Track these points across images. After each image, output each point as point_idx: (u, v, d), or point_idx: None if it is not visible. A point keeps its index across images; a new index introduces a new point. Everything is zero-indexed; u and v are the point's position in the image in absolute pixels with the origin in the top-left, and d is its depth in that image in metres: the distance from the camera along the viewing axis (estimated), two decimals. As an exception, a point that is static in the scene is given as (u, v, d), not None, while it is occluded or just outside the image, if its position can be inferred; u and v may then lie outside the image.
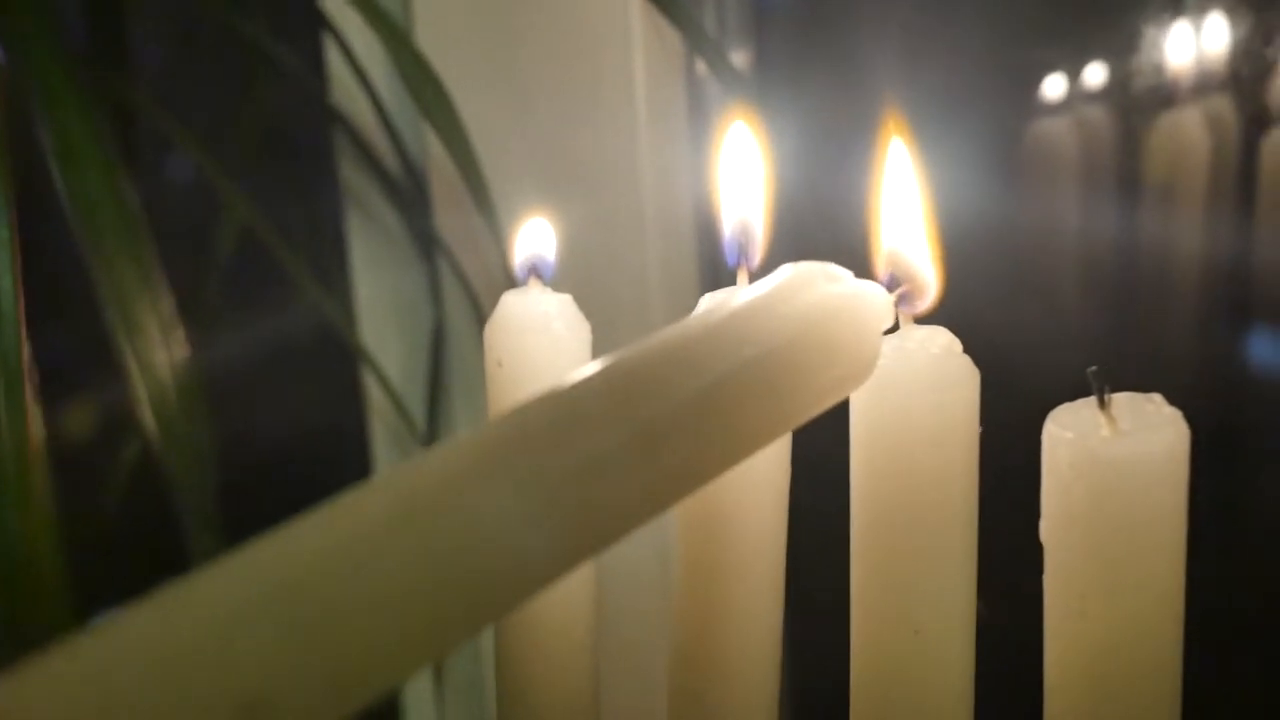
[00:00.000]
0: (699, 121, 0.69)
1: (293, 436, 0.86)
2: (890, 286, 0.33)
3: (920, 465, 0.33)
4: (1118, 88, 0.73)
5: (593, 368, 0.28)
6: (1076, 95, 0.74)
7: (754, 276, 0.38)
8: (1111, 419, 0.31)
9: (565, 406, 0.27)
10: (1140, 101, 0.73)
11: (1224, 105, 0.73)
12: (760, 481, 0.38)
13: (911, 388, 0.33)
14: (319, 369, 0.85)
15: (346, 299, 0.80)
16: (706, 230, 0.68)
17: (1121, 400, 0.31)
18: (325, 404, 0.87)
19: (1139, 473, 0.30)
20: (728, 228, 0.37)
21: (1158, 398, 0.31)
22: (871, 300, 0.32)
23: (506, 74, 0.68)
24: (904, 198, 0.34)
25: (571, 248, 0.66)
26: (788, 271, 0.32)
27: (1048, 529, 0.32)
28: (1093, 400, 0.31)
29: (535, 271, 0.41)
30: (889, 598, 0.35)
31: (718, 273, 0.68)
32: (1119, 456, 0.30)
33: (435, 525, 0.24)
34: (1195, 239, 0.73)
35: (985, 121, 0.74)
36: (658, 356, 0.29)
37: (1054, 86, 0.74)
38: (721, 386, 0.29)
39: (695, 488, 0.29)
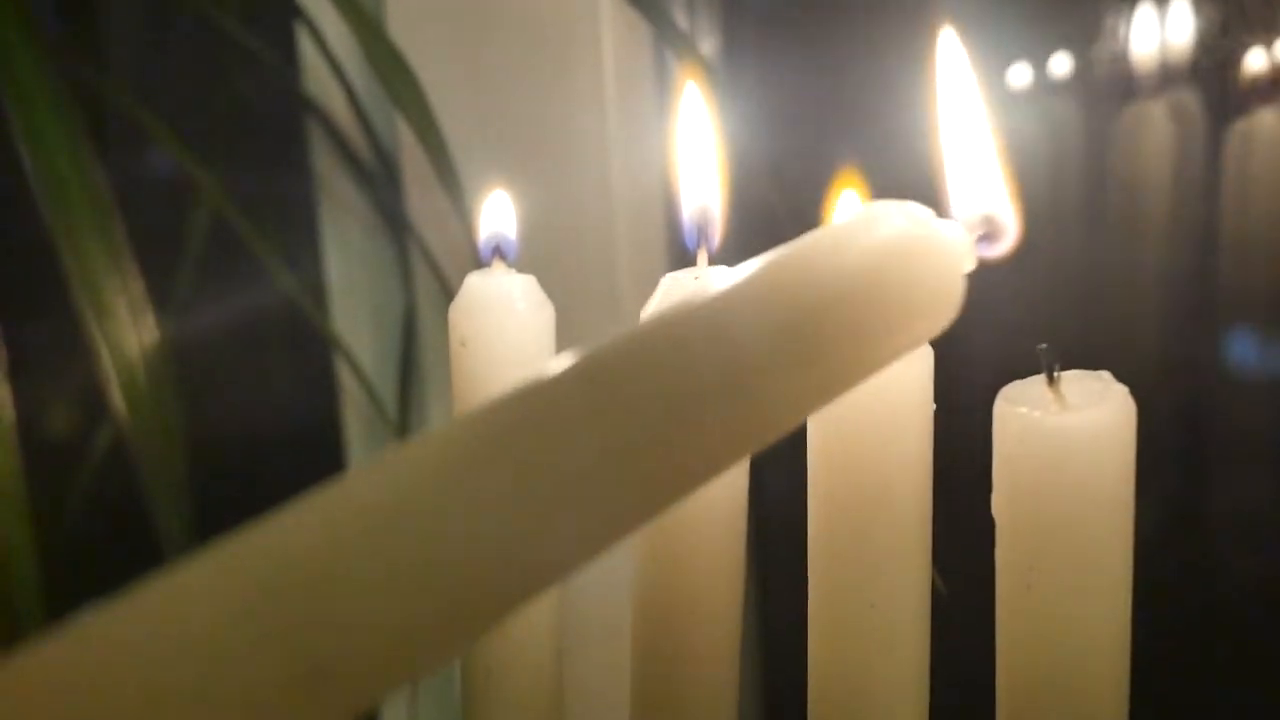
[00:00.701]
0: (667, 109, 0.70)
1: (265, 421, 0.86)
2: (970, 227, 0.31)
3: (875, 441, 0.34)
4: (1081, 78, 0.74)
5: (651, 319, 0.27)
6: (1041, 85, 0.75)
7: (714, 259, 0.38)
8: (1059, 395, 0.31)
9: (628, 354, 0.26)
10: (1104, 92, 0.74)
11: (1187, 96, 0.73)
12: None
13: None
14: (291, 354, 0.86)
15: (318, 284, 0.80)
16: (675, 214, 0.68)
17: (1070, 377, 0.32)
18: (298, 388, 0.87)
19: (1085, 446, 0.31)
20: (686, 211, 0.37)
21: (1105, 375, 0.32)
22: (952, 240, 0.30)
23: (477, 62, 0.68)
24: (971, 133, 0.33)
25: (541, 233, 0.67)
26: (861, 209, 0.30)
27: (998, 503, 0.32)
28: (1042, 378, 0.32)
29: (499, 252, 0.41)
30: (844, 572, 0.36)
31: (687, 256, 0.68)
32: (1065, 429, 0.31)
33: (438, 520, 0.23)
34: (1159, 228, 0.74)
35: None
36: (730, 296, 0.27)
37: (1019, 76, 0.75)
38: (796, 327, 0.27)
39: (768, 438, 0.27)
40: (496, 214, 0.41)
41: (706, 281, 0.37)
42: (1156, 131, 0.73)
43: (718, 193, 0.37)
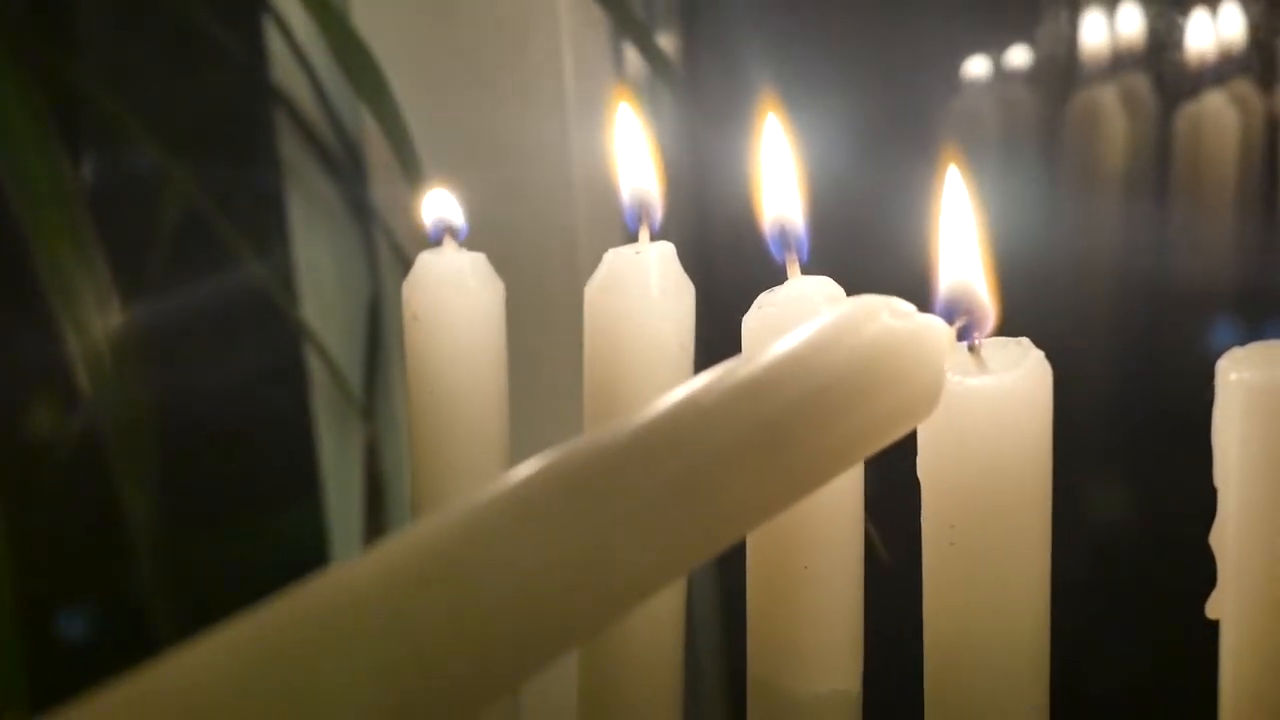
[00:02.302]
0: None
1: (235, 407, 0.87)
2: (949, 318, 0.33)
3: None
4: (1037, 66, 0.76)
5: (652, 406, 0.28)
6: (998, 74, 0.76)
7: (654, 236, 0.40)
8: (980, 360, 0.33)
9: (616, 447, 0.26)
10: (1057, 79, 0.75)
11: (1139, 82, 0.75)
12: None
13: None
14: (261, 340, 0.87)
15: (287, 272, 0.81)
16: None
17: (991, 344, 0.33)
18: (267, 374, 0.88)
19: (1000, 407, 0.32)
20: (625, 198, 0.39)
21: (1025, 341, 0.33)
22: (934, 333, 0.31)
23: (439, 52, 0.69)
24: (961, 225, 0.35)
25: (503, 217, 0.68)
26: (850, 303, 0.31)
27: (921, 465, 0.34)
28: (965, 345, 0.33)
29: (449, 232, 0.42)
30: (780, 537, 0.37)
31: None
32: (980, 391, 0.32)
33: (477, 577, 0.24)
34: (1113, 213, 0.75)
35: (910, 100, 0.76)
36: (716, 391, 0.28)
37: (976, 65, 0.76)
38: (786, 417, 0.28)
39: (755, 525, 0.29)
40: (443, 195, 0.42)
41: (647, 255, 0.39)
42: (1108, 116, 0.75)
43: (655, 180, 0.39)
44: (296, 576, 0.22)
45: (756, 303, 0.36)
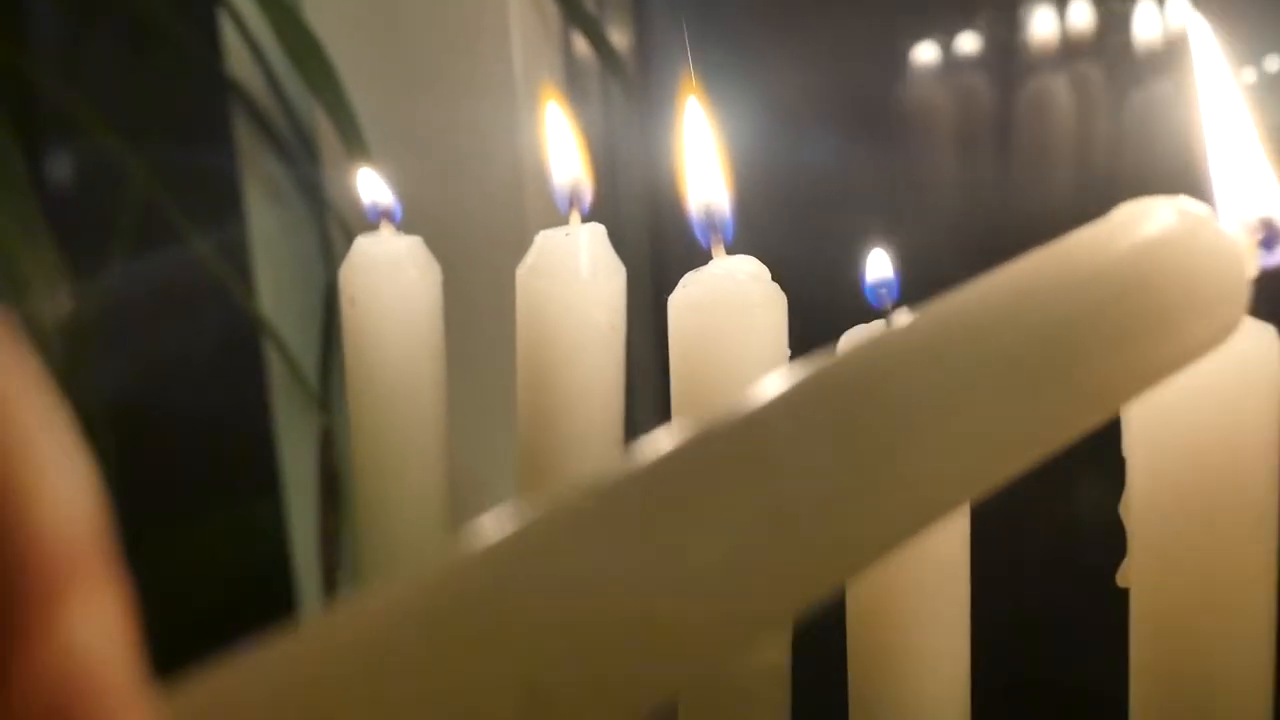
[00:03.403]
0: (576, 87, 0.72)
1: (193, 399, 0.87)
2: (1249, 229, 0.28)
3: (731, 381, 0.36)
4: (988, 54, 0.76)
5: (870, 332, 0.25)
6: (949, 62, 0.77)
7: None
8: (894, 333, 0.33)
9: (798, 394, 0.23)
10: (1009, 67, 0.76)
11: (1089, 70, 0.76)
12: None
13: (719, 309, 0.36)
14: (219, 330, 0.87)
15: (244, 264, 0.81)
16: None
17: (905, 315, 0.34)
18: (225, 367, 0.88)
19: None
20: (555, 183, 0.40)
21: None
22: (1233, 240, 0.26)
23: (390, 43, 0.70)
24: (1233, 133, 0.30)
25: (453, 208, 0.68)
26: (1125, 207, 0.26)
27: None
28: (882, 320, 0.34)
29: (386, 215, 0.43)
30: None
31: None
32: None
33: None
34: (1064, 198, 0.76)
35: (860, 90, 0.77)
36: (971, 303, 0.24)
37: (926, 53, 0.77)
38: (1053, 339, 0.24)
39: (994, 483, 0.24)
40: (373, 177, 0.43)
41: (576, 237, 0.39)
42: (1059, 104, 0.75)
43: (582, 167, 0.40)
44: (256, 569, 0.21)
45: (681, 282, 0.36)
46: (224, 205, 0.81)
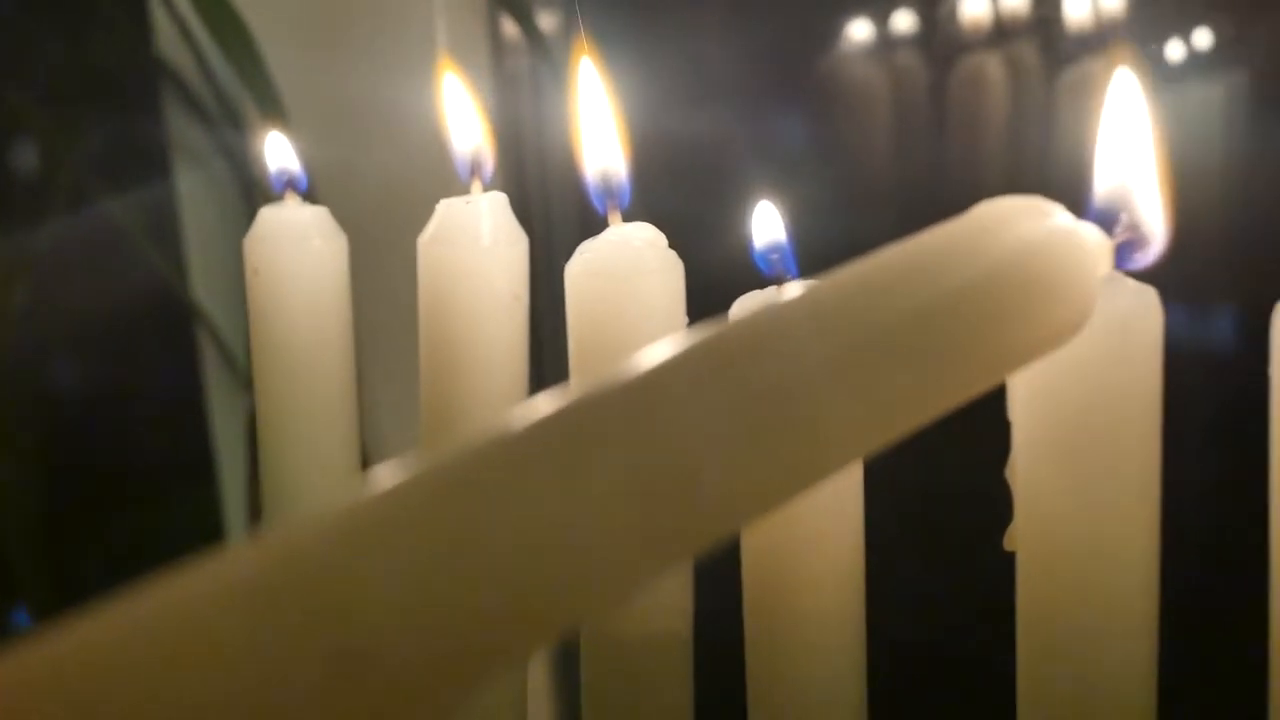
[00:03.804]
0: (501, 64, 0.72)
1: (126, 385, 0.87)
2: (1108, 229, 0.29)
3: (628, 348, 0.36)
4: (922, 32, 0.77)
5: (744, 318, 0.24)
6: (847, 28, 0.77)
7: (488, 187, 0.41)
8: (787, 300, 0.33)
9: (688, 359, 0.23)
10: (942, 45, 0.76)
11: (1023, 49, 0.76)
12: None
13: (615, 276, 0.35)
14: (153, 320, 0.86)
15: (176, 245, 0.80)
16: (510, 171, 0.70)
17: (794, 285, 0.34)
18: (158, 351, 0.88)
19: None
20: (455, 152, 0.40)
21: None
22: (1088, 241, 0.27)
23: (313, 23, 0.70)
24: (1129, 135, 0.30)
25: (375, 182, 0.68)
26: (994, 202, 0.27)
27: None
28: (775, 287, 0.34)
29: (291, 184, 0.43)
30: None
31: (526, 209, 0.70)
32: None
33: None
34: (996, 173, 0.76)
35: (761, 57, 0.77)
36: (840, 288, 0.25)
37: (827, 19, 0.77)
38: (905, 325, 0.25)
39: (857, 456, 0.26)
40: (282, 149, 0.43)
41: (477, 205, 0.39)
42: (992, 83, 0.76)
43: (484, 136, 0.40)
44: (193, 552, 0.21)
45: (578, 250, 0.36)
46: (154, 182, 0.81)
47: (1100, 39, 0.72)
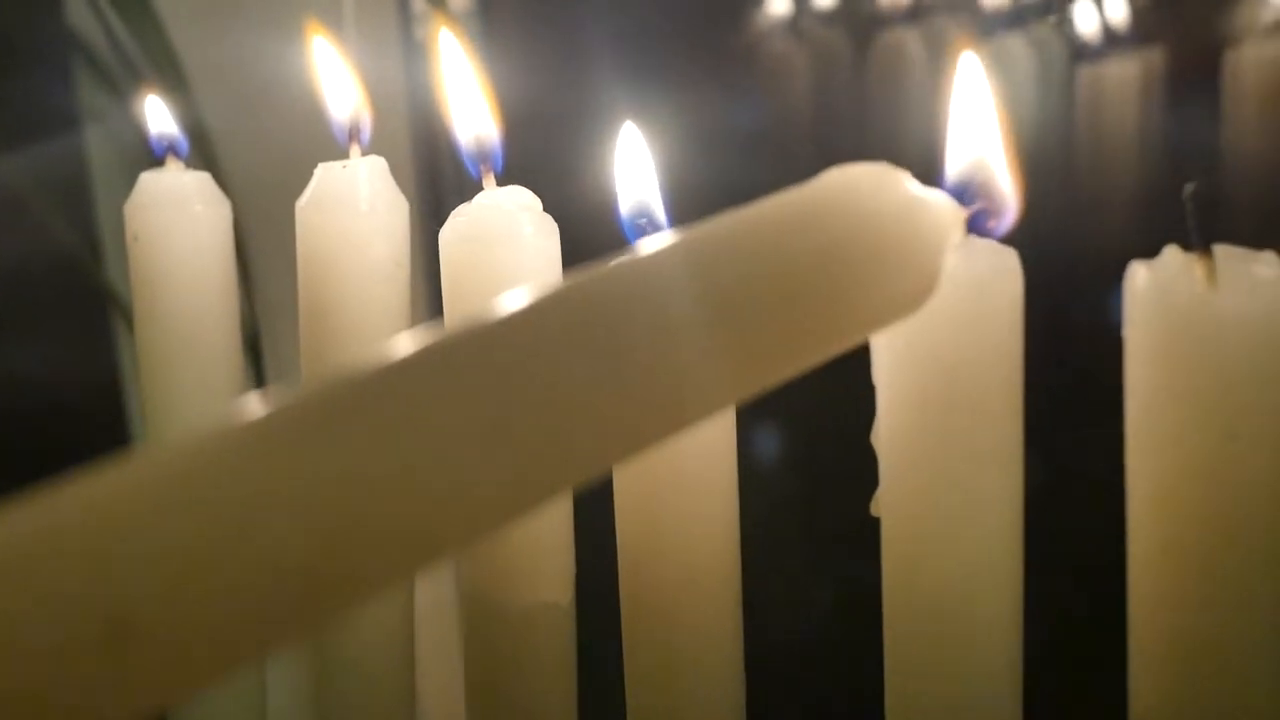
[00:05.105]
0: (411, 41, 0.71)
1: (41, 377, 0.85)
2: (962, 199, 0.28)
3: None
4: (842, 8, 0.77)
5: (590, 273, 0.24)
6: (803, 14, 0.77)
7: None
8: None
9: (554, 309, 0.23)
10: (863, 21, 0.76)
11: (943, 25, 0.76)
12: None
13: (488, 241, 0.35)
14: (68, 306, 0.85)
15: (91, 230, 0.79)
16: (422, 147, 0.70)
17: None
18: (74, 341, 0.86)
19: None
20: (333, 118, 0.39)
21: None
22: (941, 210, 0.27)
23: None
24: (977, 111, 0.30)
25: (282, 154, 0.67)
26: (838, 173, 0.27)
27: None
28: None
29: (172, 150, 0.42)
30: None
31: (436, 186, 0.69)
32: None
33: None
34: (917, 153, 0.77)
35: (711, 48, 0.77)
36: (689, 246, 0.25)
37: (779, 5, 0.77)
38: (750, 283, 0.25)
39: (693, 420, 0.25)
40: (160, 114, 0.42)
41: (355, 170, 0.39)
42: (909, 58, 0.76)
43: (361, 101, 0.39)
44: None
45: (452, 214, 0.36)
46: (68, 165, 0.79)
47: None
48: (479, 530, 0.23)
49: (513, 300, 0.23)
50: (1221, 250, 0.27)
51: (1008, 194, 0.29)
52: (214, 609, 0.19)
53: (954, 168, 0.30)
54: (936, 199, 0.27)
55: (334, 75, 0.40)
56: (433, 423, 0.21)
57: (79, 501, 0.19)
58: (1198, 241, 0.27)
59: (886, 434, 0.32)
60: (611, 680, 0.39)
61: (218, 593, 0.19)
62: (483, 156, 0.35)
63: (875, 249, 0.26)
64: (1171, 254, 0.28)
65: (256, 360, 0.68)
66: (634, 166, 0.33)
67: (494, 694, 0.39)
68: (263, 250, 0.63)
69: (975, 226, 0.29)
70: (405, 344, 0.22)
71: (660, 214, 0.34)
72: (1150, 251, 0.28)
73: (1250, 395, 0.27)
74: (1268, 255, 0.28)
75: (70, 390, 0.86)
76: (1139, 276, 0.28)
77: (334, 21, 0.66)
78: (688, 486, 0.35)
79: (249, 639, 0.20)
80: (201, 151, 0.62)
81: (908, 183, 0.27)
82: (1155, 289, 0.27)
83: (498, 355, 0.22)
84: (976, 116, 0.30)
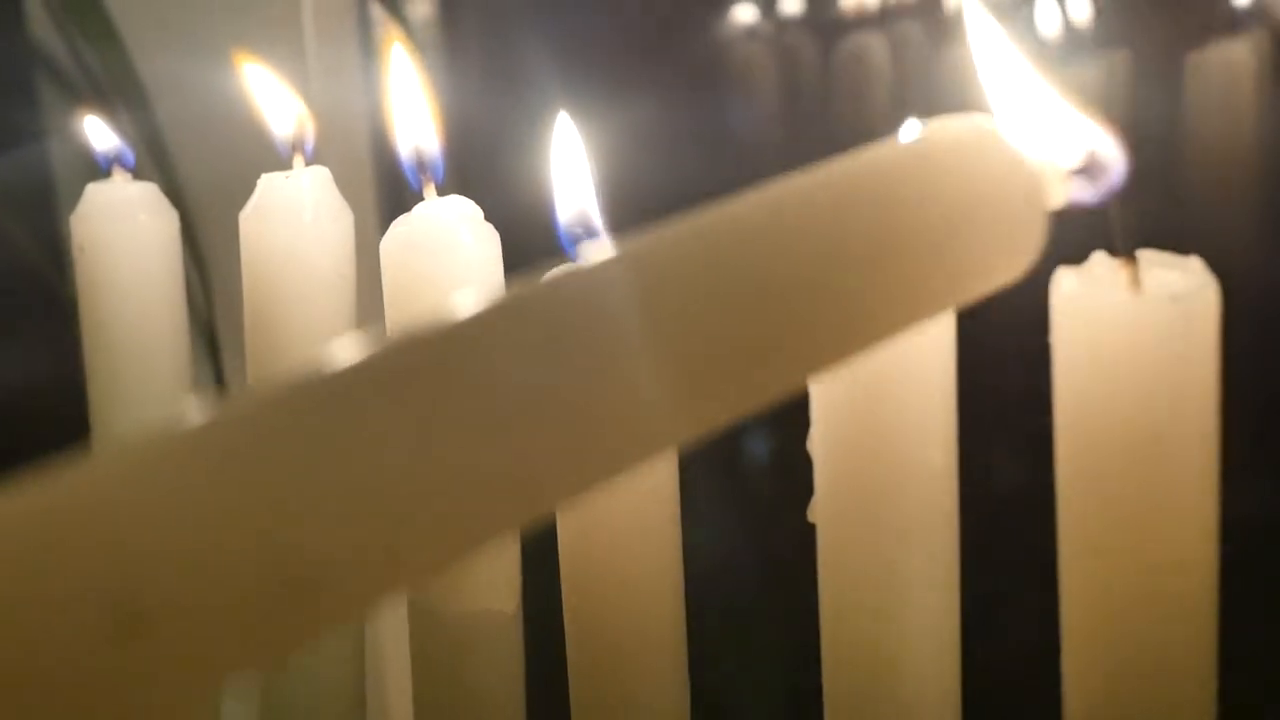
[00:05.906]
0: (371, 51, 0.71)
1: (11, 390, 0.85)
2: (1067, 159, 0.26)
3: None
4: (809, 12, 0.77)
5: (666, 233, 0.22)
6: (770, 20, 0.78)
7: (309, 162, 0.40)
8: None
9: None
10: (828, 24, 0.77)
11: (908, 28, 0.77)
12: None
13: (428, 250, 0.35)
14: (33, 315, 0.84)
15: (55, 243, 0.79)
16: (382, 155, 0.70)
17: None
18: (42, 352, 0.86)
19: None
20: (275, 133, 0.39)
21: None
22: (1045, 169, 0.26)
23: (177, 3, 0.69)
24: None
25: (245, 178, 0.67)
26: (931, 125, 0.25)
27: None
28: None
29: (117, 162, 0.42)
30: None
31: (397, 194, 0.69)
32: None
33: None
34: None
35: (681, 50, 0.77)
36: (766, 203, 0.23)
37: (746, 12, 0.78)
38: (844, 252, 0.23)
39: (780, 393, 0.23)
40: (99, 124, 0.42)
41: (298, 180, 0.39)
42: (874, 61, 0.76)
43: (303, 113, 0.40)
44: None
45: (393, 224, 0.36)
46: (33, 176, 0.79)
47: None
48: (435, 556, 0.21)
49: (465, 304, 0.21)
50: (1146, 255, 0.27)
51: (1112, 153, 0.27)
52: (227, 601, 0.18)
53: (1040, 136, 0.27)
54: (1043, 157, 0.26)
55: (270, 94, 0.40)
56: (379, 430, 0.20)
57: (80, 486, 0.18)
58: (1122, 248, 0.27)
59: (820, 440, 0.32)
60: (561, 686, 0.39)
61: (232, 584, 0.18)
62: (423, 166, 0.36)
63: (975, 212, 0.24)
64: (1098, 260, 0.28)
65: (217, 364, 0.67)
66: (571, 173, 0.33)
67: (442, 702, 0.39)
68: (223, 258, 0.63)
69: (1083, 190, 0.26)
70: (335, 353, 0.20)
71: (598, 222, 0.34)
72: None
73: (1171, 399, 0.27)
74: (1193, 261, 0.28)
75: (34, 397, 0.86)
76: (1065, 282, 0.28)
77: (294, 33, 0.66)
78: (630, 486, 0.35)
79: (254, 637, 0.19)
80: (159, 163, 0.62)
81: (1009, 139, 0.25)
82: (1080, 294, 0.28)
83: (449, 358, 0.21)
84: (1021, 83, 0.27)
